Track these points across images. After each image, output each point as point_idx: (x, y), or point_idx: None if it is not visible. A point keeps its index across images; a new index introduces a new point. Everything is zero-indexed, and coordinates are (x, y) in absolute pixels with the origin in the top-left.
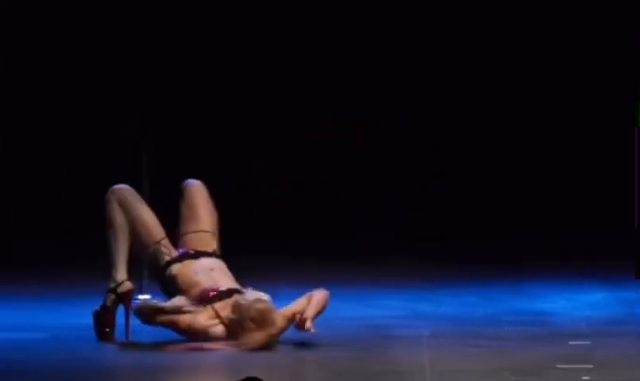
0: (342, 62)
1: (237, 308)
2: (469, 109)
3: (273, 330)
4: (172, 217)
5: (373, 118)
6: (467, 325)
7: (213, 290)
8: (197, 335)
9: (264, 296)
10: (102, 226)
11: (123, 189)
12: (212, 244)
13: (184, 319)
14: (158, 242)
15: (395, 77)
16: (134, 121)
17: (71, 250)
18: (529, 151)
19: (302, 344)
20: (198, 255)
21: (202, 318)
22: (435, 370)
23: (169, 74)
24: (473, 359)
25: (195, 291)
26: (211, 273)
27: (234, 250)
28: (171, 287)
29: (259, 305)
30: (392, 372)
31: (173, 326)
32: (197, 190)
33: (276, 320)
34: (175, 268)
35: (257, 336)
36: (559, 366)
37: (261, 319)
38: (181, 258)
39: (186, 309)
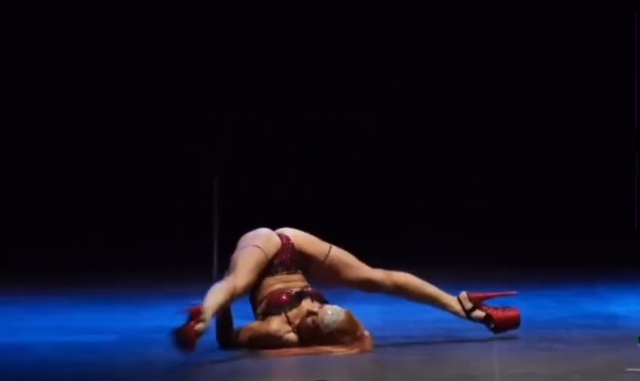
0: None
1: (319, 333)
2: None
3: (362, 331)
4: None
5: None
6: (537, 328)
7: (285, 293)
8: (271, 342)
9: (335, 310)
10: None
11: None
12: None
13: (259, 330)
14: None
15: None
16: (207, 146)
17: (142, 255)
18: (604, 154)
19: (373, 347)
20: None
21: (275, 324)
22: (505, 373)
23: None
24: (543, 362)
25: (268, 296)
26: (287, 282)
27: None
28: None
29: (337, 325)
30: (462, 375)
31: (251, 342)
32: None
33: (357, 321)
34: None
35: (360, 343)
36: (628, 369)
37: (348, 329)
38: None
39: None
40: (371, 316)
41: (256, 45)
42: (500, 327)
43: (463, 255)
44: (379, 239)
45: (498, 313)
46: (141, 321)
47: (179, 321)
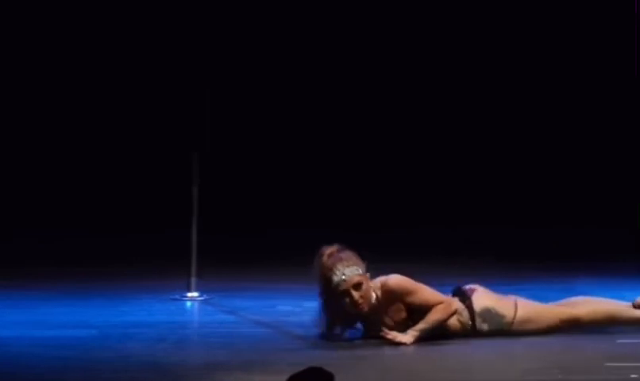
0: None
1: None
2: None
3: None
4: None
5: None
6: None
7: None
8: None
9: None
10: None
11: None
12: None
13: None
14: None
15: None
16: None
17: (120, 249)
18: (583, 147)
19: (358, 344)
20: None
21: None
22: (483, 369)
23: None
24: (522, 357)
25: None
26: None
27: None
28: None
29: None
30: (439, 370)
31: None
32: None
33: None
34: None
35: None
36: (607, 364)
37: None
38: None
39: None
40: None
41: (256, 45)
42: None
43: (463, 253)
44: (379, 238)
45: None
46: (119, 316)
47: (155, 315)
